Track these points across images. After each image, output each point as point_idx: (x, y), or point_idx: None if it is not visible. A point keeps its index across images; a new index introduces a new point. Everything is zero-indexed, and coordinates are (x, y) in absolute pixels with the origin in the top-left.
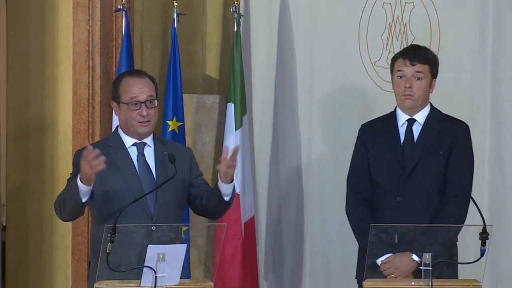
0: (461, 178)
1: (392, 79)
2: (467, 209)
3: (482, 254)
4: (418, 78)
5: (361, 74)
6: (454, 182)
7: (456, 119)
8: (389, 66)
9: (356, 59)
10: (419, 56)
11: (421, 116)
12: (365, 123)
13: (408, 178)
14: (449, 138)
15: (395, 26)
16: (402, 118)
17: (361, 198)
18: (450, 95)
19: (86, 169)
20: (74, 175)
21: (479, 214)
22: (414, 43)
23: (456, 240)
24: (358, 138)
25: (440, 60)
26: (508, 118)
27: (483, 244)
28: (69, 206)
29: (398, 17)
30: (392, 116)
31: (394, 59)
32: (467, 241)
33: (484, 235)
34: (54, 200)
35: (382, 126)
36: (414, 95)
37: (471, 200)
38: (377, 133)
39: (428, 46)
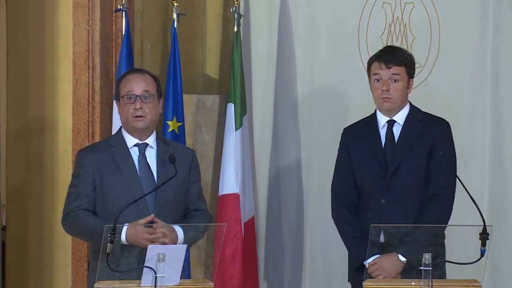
0: (443, 176)
1: (369, 82)
2: (451, 207)
3: (482, 254)
4: (395, 80)
5: (361, 74)
6: (436, 180)
7: (436, 117)
8: None
9: (356, 59)
10: (394, 58)
11: (400, 117)
12: (347, 126)
13: (390, 180)
14: (430, 136)
15: (395, 26)
16: (382, 120)
17: (345, 202)
18: (451, 95)
19: (143, 242)
20: (78, 189)
21: (479, 214)
22: (414, 43)
23: (444, 238)
24: (340, 142)
25: (440, 60)
26: (508, 118)
27: (483, 244)
28: (88, 240)
29: (398, 17)
30: (373, 118)
31: (370, 62)
32: (467, 241)
33: (484, 235)
34: (54, 200)
35: (364, 128)
36: (392, 98)
37: (471, 201)
38: (359, 136)
39: (428, 46)
